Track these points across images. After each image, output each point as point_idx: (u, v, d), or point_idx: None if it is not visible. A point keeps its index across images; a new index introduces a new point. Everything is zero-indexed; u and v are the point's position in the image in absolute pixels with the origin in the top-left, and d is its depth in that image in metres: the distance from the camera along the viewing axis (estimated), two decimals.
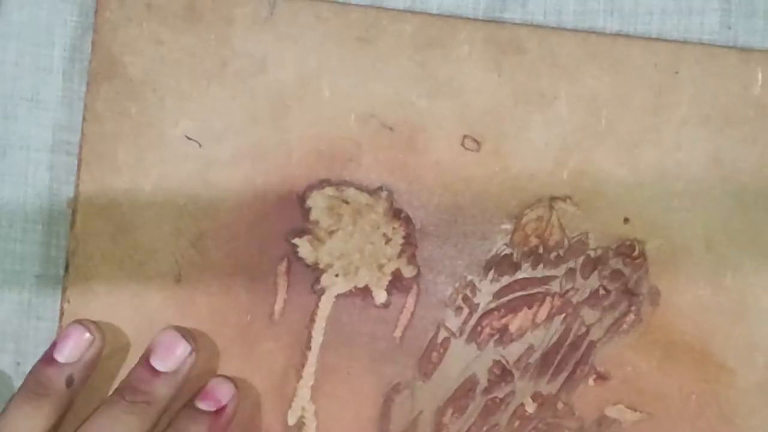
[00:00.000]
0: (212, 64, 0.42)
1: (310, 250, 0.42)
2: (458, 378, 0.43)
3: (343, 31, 0.42)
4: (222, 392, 0.41)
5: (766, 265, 0.42)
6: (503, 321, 0.42)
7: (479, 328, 0.42)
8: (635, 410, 0.42)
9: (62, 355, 0.40)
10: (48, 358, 0.40)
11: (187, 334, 0.41)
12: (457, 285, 0.43)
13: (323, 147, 0.42)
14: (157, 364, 0.40)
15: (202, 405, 0.41)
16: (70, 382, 0.40)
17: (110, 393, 0.41)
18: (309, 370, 0.43)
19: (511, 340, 0.43)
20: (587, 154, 0.42)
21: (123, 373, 0.42)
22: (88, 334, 0.41)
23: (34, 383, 0.40)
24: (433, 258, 0.43)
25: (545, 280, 0.43)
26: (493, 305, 0.43)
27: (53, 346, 0.41)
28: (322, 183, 0.43)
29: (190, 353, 0.41)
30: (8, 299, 0.44)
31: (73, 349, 0.40)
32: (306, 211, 0.43)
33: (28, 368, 0.43)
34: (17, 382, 0.44)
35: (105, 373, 0.42)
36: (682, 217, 0.42)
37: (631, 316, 0.42)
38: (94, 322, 0.42)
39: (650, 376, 0.42)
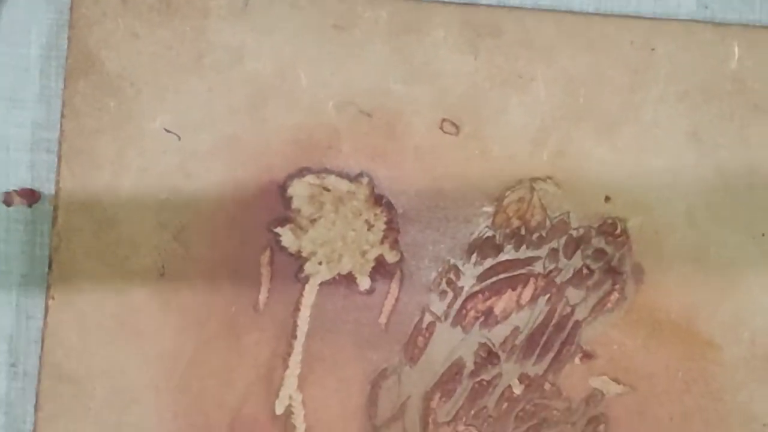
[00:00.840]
0: (189, 56, 0.42)
1: (292, 239, 0.42)
2: (445, 362, 0.43)
3: (318, 19, 0.42)
4: None
5: (748, 239, 0.42)
6: (488, 303, 0.42)
7: (464, 312, 0.42)
8: (619, 383, 0.42)
9: None
10: None
11: None
12: (440, 269, 0.43)
13: (302, 136, 0.42)
14: None
15: None
16: None
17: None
18: (295, 359, 0.43)
19: (497, 323, 0.42)
20: (566, 134, 0.42)
21: (111, 367, 0.42)
22: None
23: None
24: (416, 243, 0.43)
25: (528, 261, 0.43)
26: (477, 288, 0.43)
27: None
28: (303, 171, 0.43)
29: None
30: None
31: None
32: (287, 200, 0.43)
33: (23, 369, 0.44)
34: (13, 384, 0.44)
35: (95, 368, 0.42)
36: (663, 193, 0.42)
37: (616, 295, 0.42)
38: None
39: (636, 354, 0.42)
